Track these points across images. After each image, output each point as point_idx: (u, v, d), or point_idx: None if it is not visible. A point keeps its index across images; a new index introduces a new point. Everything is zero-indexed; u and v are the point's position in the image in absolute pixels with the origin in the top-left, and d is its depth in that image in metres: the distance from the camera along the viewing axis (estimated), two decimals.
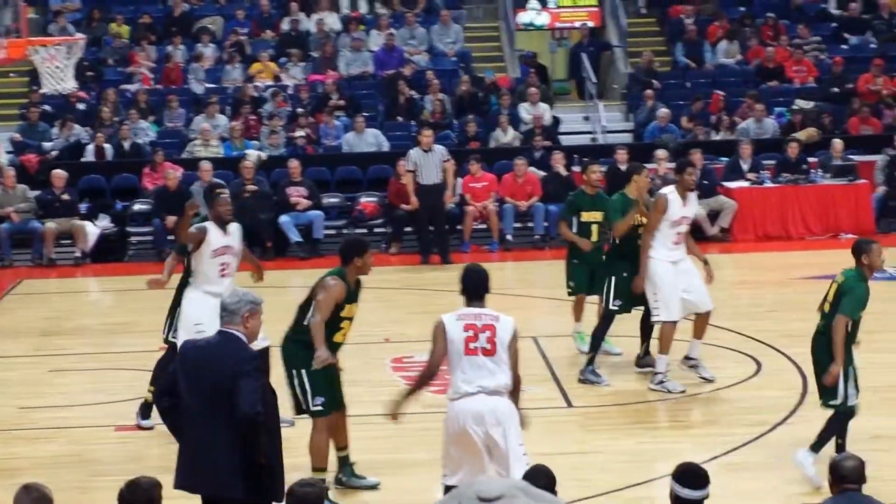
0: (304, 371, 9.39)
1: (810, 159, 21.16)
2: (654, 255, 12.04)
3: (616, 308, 12.52)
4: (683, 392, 12.07)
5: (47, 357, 14.33)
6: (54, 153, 21.83)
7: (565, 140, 23.14)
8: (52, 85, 16.22)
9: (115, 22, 25.65)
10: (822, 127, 22.48)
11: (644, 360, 12.81)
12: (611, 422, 11.55)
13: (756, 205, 20.53)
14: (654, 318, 12.24)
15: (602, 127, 23.76)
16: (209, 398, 7.13)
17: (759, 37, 25.43)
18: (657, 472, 9.77)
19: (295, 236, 20.11)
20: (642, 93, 23.76)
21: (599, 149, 21.77)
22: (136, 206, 20.74)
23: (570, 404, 12.02)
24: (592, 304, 13.44)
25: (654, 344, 12.48)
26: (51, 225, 19.87)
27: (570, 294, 13.51)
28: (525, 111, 23.02)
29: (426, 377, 8.24)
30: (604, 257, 12.89)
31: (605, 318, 12.64)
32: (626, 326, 12.99)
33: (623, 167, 19.89)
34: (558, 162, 20.71)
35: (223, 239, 10.90)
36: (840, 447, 9.60)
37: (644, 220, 12.24)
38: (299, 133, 22.14)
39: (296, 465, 8.71)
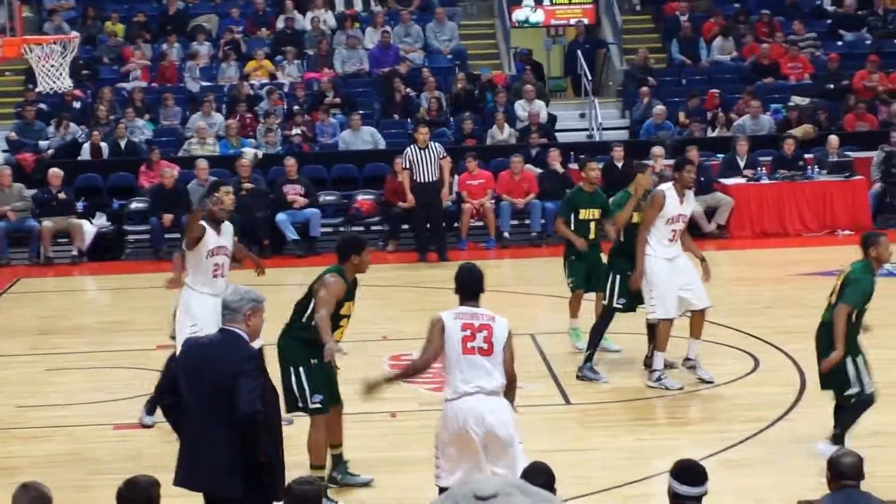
0: (302, 368, 9.37)
1: (806, 156, 21.17)
2: (650, 252, 12.02)
3: (620, 306, 12.49)
4: (681, 389, 12.06)
5: (44, 356, 14.31)
6: (50, 152, 21.83)
7: (561, 137, 23.16)
8: (48, 83, 16.21)
9: (109, 20, 25.65)
10: (818, 123, 22.50)
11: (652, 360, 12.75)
12: (609, 419, 11.54)
13: (753, 201, 20.56)
14: (650, 316, 12.20)
15: (598, 124, 23.76)
16: (209, 397, 7.12)
17: (754, 33, 25.45)
18: (656, 468, 9.75)
19: (292, 234, 20.11)
20: (638, 90, 23.77)
21: (596, 146, 21.80)
22: (133, 205, 20.74)
23: (567, 401, 12.02)
24: (588, 301, 13.43)
25: None
26: (47, 224, 19.86)
27: (571, 290, 13.46)
28: (521, 108, 23.03)
29: (415, 370, 8.28)
30: (607, 255, 12.82)
31: (606, 316, 12.62)
32: (626, 324, 12.99)
33: (619, 164, 19.97)
34: (555, 159, 20.73)
35: (217, 239, 10.91)
36: (838, 438, 9.66)
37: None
38: (295, 131, 22.14)
39: (296, 462, 8.70)
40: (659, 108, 22.74)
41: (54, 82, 16.13)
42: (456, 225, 20.30)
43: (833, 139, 21.24)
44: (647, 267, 12.00)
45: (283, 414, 8.78)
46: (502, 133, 22.39)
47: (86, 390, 12.83)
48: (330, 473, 9.76)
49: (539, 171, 20.89)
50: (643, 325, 12.61)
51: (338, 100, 23.28)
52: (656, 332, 12.15)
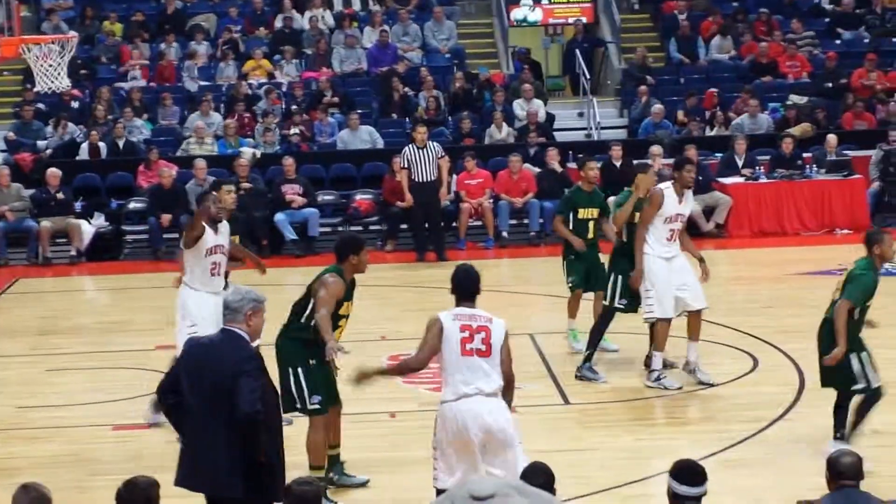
0: (300, 369, 9.36)
1: (805, 155, 21.16)
2: (647, 252, 12.01)
3: (622, 306, 12.47)
4: (680, 389, 12.06)
5: (44, 356, 14.31)
6: (49, 151, 21.82)
7: (560, 136, 23.16)
8: (46, 83, 16.20)
9: (108, 20, 25.63)
10: (817, 122, 22.50)
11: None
12: (608, 419, 11.54)
13: (751, 200, 20.56)
14: (647, 315, 12.16)
15: (597, 123, 23.76)
16: (209, 397, 7.13)
17: (752, 32, 25.45)
18: (655, 468, 9.76)
19: (290, 234, 20.10)
20: (636, 89, 23.77)
21: (594, 145, 21.80)
22: (132, 205, 20.73)
23: (567, 401, 12.02)
24: (586, 301, 13.43)
25: None
26: (46, 224, 19.85)
27: (571, 290, 13.46)
28: (519, 107, 23.03)
29: (409, 369, 8.30)
30: (609, 255, 12.78)
31: (606, 316, 12.61)
32: (625, 324, 12.98)
33: (618, 163, 19.97)
34: (553, 158, 20.73)
35: (215, 238, 10.95)
36: (838, 428, 9.67)
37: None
38: (294, 130, 22.13)
39: (295, 463, 8.70)
40: (657, 107, 22.75)
41: (52, 82, 16.12)
42: (454, 224, 20.30)
43: (831, 138, 21.24)
44: (645, 266, 12.00)
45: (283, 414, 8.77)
46: (500, 132, 22.39)
47: (86, 391, 12.83)
48: (326, 474, 9.76)
49: (537, 170, 20.89)
50: (642, 325, 12.59)
51: (336, 99, 23.27)
52: (655, 332, 12.14)
